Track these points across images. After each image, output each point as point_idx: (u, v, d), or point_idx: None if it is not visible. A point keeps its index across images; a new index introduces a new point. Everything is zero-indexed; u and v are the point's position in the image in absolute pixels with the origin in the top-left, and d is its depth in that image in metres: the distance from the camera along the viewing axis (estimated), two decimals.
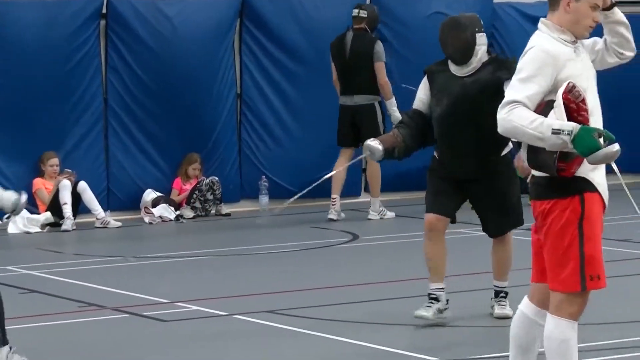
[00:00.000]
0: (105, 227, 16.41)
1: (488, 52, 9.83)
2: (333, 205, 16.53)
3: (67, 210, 16.28)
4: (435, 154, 9.97)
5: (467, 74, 9.65)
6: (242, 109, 17.90)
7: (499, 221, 9.97)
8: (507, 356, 7.09)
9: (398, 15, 18.55)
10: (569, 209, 6.76)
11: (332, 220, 16.35)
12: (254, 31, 17.89)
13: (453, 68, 9.74)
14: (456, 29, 9.86)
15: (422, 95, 9.88)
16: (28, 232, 16.14)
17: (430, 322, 9.68)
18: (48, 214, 16.34)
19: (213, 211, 17.22)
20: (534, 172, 6.87)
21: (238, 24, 17.86)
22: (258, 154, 17.92)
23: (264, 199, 17.77)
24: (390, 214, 16.69)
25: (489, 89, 9.45)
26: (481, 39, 9.75)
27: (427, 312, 9.74)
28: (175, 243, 15.37)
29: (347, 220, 16.54)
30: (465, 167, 9.73)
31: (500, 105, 6.76)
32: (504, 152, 9.82)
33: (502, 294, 10.08)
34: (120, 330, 10.40)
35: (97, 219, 16.51)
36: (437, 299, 9.84)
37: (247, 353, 9.50)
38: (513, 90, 6.76)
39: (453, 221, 10.04)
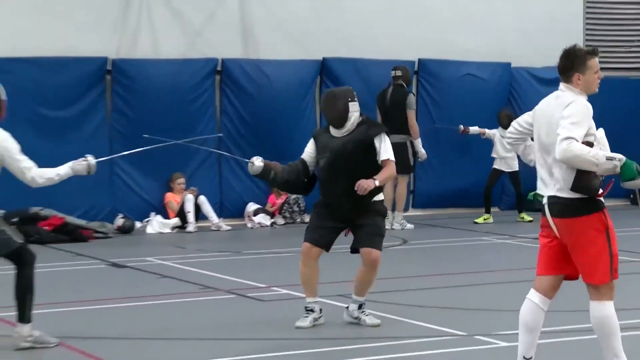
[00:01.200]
0: (218, 230, 16.59)
1: (361, 115, 9.37)
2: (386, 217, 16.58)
3: (191, 217, 16.48)
4: (321, 196, 9.55)
5: (344, 134, 9.28)
6: None
7: (364, 239, 9.42)
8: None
9: (438, 76, 18.53)
10: (598, 222, 6.87)
11: (387, 228, 16.34)
12: (330, 84, 17.91)
13: (332, 130, 9.35)
14: (332, 99, 9.36)
15: (309, 150, 9.52)
16: (161, 233, 16.35)
17: (308, 329, 9.25)
18: (176, 219, 16.54)
19: (298, 219, 17.30)
20: (555, 194, 6.91)
21: (318, 80, 17.91)
22: None
23: None
24: (409, 226, 16.63)
25: (362, 145, 9.19)
26: (354, 107, 9.29)
27: (304, 322, 9.34)
28: (271, 243, 15.41)
29: (392, 229, 16.41)
30: (342, 208, 9.33)
31: (559, 140, 6.69)
32: (377, 199, 9.38)
33: (362, 305, 9.53)
34: (229, 308, 10.54)
35: (212, 224, 16.68)
36: (312, 310, 9.45)
37: (327, 327, 9.48)
38: (567, 130, 6.70)
39: (327, 250, 9.56)
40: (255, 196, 17.45)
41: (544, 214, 7.09)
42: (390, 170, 9.29)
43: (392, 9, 18.26)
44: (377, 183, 9.05)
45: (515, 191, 17.69)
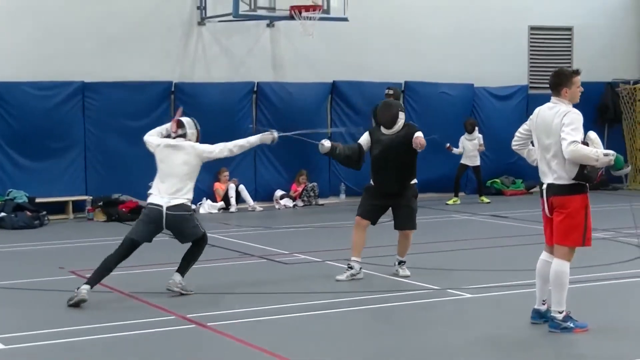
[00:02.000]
0: (254, 211, 16.56)
1: (405, 121, 9.56)
2: None
3: (233, 201, 16.48)
4: (371, 182, 9.67)
5: (392, 133, 9.48)
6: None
7: (403, 223, 9.67)
8: None
9: (420, 93, 18.48)
10: (582, 201, 7.04)
11: (448, 204, 16.33)
12: (338, 101, 17.95)
13: (383, 130, 9.55)
14: (388, 107, 9.65)
15: (364, 139, 9.68)
16: (211, 213, 16.28)
17: (344, 282, 9.35)
18: (222, 202, 16.51)
19: (314, 202, 17.27)
20: (553, 182, 7.02)
21: (329, 98, 17.88)
22: (339, 169, 17.91)
23: (342, 196, 17.85)
24: None
25: (405, 140, 9.36)
26: (402, 116, 9.50)
27: (342, 276, 9.48)
28: (293, 220, 15.32)
29: None
30: (391, 187, 9.49)
31: (567, 143, 6.82)
32: (412, 182, 9.59)
33: (403, 262, 9.78)
34: (262, 269, 10.51)
35: (249, 206, 16.65)
36: (351, 267, 9.55)
37: (331, 280, 9.49)
38: (571, 135, 6.84)
39: (373, 224, 9.75)
40: (282, 184, 17.37)
41: (542, 197, 7.21)
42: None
43: (385, 42, 18.21)
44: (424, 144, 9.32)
45: (476, 180, 17.64)
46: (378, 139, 9.57)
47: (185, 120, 9.17)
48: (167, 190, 8.72)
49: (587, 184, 7.06)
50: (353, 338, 7.20)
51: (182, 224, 8.76)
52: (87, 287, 8.36)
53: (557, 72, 7.24)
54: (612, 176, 16.53)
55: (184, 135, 9.04)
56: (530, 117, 7.37)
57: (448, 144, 17.21)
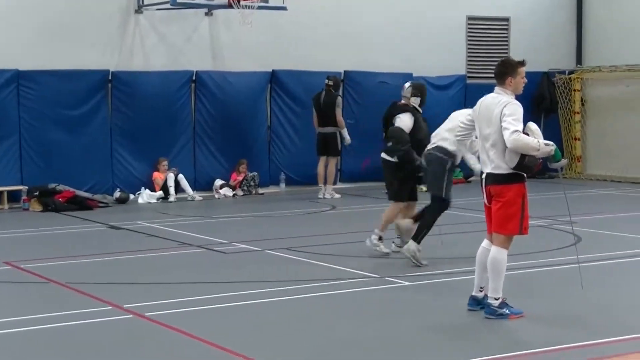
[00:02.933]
0: (193, 200, 16.40)
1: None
2: (319, 188, 16.58)
3: (172, 190, 16.30)
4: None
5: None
6: (270, 134, 17.88)
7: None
8: None
9: (359, 83, 18.50)
10: (519, 190, 7.11)
11: (320, 198, 16.38)
12: (278, 90, 17.85)
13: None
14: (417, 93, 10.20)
15: (411, 122, 10.09)
16: (149, 203, 16.09)
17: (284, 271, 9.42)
18: (161, 192, 16.32)
19: (254, 192, 17.17)
20: (491, 171, 7.12)
21: (269, 87, 17.80)
22: (279, 159, 17.90)
23: (282, 185, 17.81)
24: (337, 196, 16.48)
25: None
26: (414, 100, 10.11)
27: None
28: (233, 209, 15.22)
29: (324, 198, 16.42)
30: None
31: (509, 133, 6.89)
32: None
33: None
34: (201, 259, 10.45)
35: (189, 195, 16.49)
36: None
37: (270, 269, 9.52)
38: (513, 125, 6.91)
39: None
40: (222, 174, 17.24)
41: (482, 186, 7.28)
42: None
43: (324, 32, 18.18)
44: None
45: None
46: (418, 119, 10.04)
47: None
48: None
49: (525, 174, 7.14)
50: (292, 327, 7.19)
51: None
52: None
53: (503, 62, 7.33)
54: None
55: None
56: (474, 107, 7.42)
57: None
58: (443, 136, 9.52)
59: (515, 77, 7.16)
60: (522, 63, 7.25)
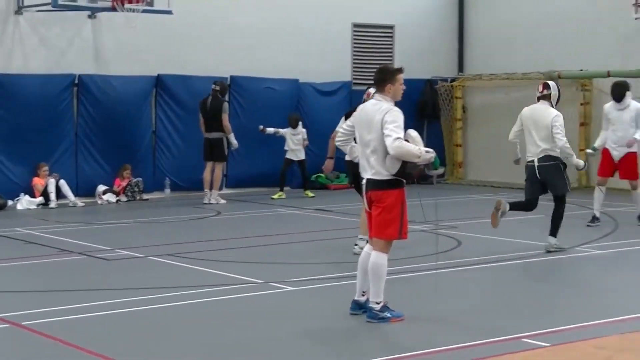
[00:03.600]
0: (75, 206, 16.05)
1: None
2: (205, 194, 16.47)
3: (53, 196, 15.91)
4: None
5: None
6: (155, 139, 17.67)
7: None
8: None
9: (246, 88, 18.47)
10: (399, 196, 7.19)
11: (205, 203, 16.26)
12: (163, 95, 17.67)
13: None
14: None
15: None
16: (29, 209, 15.68)
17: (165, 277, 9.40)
18: (41, 198, 15.93)
19: (138, 197, 16.94)
20: (371, 177, 7.19)
21: (154, 91, 17.60)
22: (164, 164, 17.72)
23: (167, 190, 17.63)
24: (223, 201, 16.44)
25: None
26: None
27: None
28: (116, 216, 14.99)
29: (210, 204, 16.36)
30: None
31: (392, 140, 6.94)
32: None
33: None
34: (81, 266, 10.26)
35: (70, 201, 16.12)
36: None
37: (153, 276, 9.42)
38: (395, 132, 6.98)
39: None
40: (104, 179, 16.93)
41: (363, 191, 7.36)
42: None
43: (211, 37, 18.09)
44: None
45: (301, 174, 17.81)
46: None
47: None
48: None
49: (405, 180, 7.24)
50: (174, 334, 7.11)
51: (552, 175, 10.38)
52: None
53: (381, 69, 7.41)
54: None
55: None
56: (354, 113, 7.49)
57: (261, 126, 17.29)
58: (544, 147, 10.43)
59: (394, 84, 7.24)
60: (400, 70, 7.35)
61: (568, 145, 10.42)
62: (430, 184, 8.31)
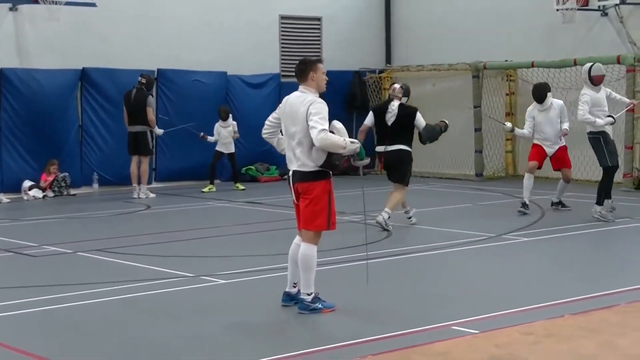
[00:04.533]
0: (0, 202, 15.78)
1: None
2: (134, 188, 16.31)
3: None
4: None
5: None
6: (82, 133, 17.43)
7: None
8: None
9: (174, 81, 18.33)
10: (325, 187, 7.23)
11: (134, 198, 16.11)
12: (89, 88, 17.44)
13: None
14: (407, 93, 11.80)
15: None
16: None
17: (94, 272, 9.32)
18: None
19: (65, 193, 16.69)
20: (297, 169, 7.23)
21: (80, 84, 17.35)
22: (92, 158, 17.50)
23: (95, 185, 17.42)
24: (152, 195, 16.29)
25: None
26: (403, 99, 11.71)
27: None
28: (43, 211, 14.71)
29: (139, 198, 16.22)
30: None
31: (317, 132, 6.98)
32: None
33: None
34: (8, 262, 10.11)
35: None
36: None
37: (82, 271, 9.28)
38: (320, 124, 7.01)
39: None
40: (30, 174, 16.64)
41: (290, 183, 7.38)
42: None
43: (137, 29, 17.90)
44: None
45: (231, 167, 17.74)
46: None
47: None
48: None
49: (331, 171, 7.27)
50: (101, 330, 7.01)
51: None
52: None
53: (302, 61, 7.47)
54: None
55: None
56: (279, 105, 7.49)
57: (202, 133, 17.21)
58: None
59: (317, 73, 7.30)
60: (320, 60, 7.46)
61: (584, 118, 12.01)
62: (358, 175, 8.35)
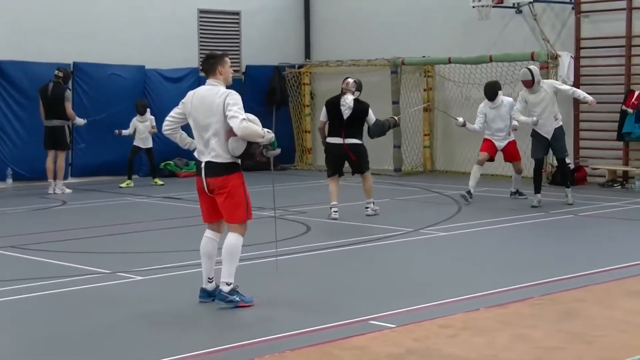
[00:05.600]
0: None
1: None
2: (50, 184, 15.99)
3: None
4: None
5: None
6: None
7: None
8: None
9: (91, 75, 18.02)
10: (239, 179, 7.32)
11: (50, 193, 15.80)
12: (2, 82, 17.05)
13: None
14: (359, 87, 12.28)
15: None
16: None
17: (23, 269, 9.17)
18: None
19: None
20: (211, 160, 7.24)
21: None
22: (5, 153, 17.10)
23: (9, 180, 17.04)
24: (68, 191, 15.94)
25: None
26: (356, 93, 12.21)
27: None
28: None
29: (55, 193, 15.89)
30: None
31: (239, 121, 7.06)
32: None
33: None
34: None
35: None
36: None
37: (5, 271, 9.12)
38: (239, 114, 7.11)
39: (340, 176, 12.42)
40: None
41: (199, 175, 7.35)
42: None
43: (52, 22, 17.54)
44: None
45: (149, 162, 17.52)
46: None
47: None
48: None
49: (247, 161, 7.37)
50: (8, 329, 6.85)
51: None
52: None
53: (208, 55, 7.58)
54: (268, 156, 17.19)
55: None
56: (183, 100, 7.51)
57: (117, 130, 16.95)
58: (558, 116, 12.98)
59: (224, 67, 7.43)
60: (226, 54, 7.60)
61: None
62: (269, 170, 8.26)
